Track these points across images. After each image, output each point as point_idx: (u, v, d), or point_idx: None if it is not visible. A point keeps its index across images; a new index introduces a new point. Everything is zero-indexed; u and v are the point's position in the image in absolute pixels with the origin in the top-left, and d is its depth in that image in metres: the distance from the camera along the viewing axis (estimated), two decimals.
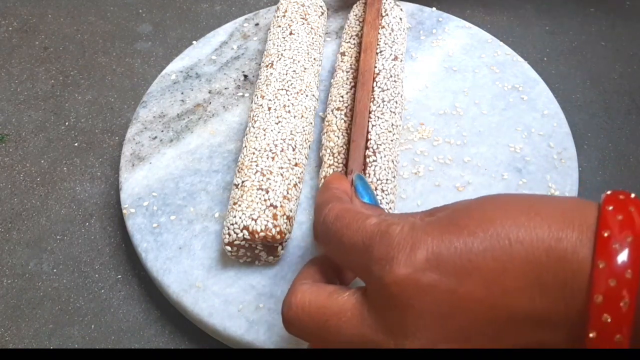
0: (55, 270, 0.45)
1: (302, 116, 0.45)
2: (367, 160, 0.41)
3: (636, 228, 0.24)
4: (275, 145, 0.42)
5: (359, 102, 0.43)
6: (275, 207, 0.40)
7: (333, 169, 0.42)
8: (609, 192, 0.26)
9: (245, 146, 0.43)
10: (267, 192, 0.40)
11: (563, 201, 0.27)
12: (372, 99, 0.44)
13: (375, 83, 0.45)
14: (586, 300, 0.24)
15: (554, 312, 0.25)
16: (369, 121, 0.43)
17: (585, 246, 0.24)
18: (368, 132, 0.43)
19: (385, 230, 0.27)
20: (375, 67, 0.46)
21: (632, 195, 0.25)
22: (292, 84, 0.46)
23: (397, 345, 0.26)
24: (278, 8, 0.51)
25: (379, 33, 0.48)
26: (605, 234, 0.24)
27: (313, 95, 0.47)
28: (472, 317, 0.26)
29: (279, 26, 0.50)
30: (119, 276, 0.45)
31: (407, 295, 0.26)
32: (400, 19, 0.51)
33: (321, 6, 0.52)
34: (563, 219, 0.25)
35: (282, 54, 0.48)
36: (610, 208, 0.25)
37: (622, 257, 0.24)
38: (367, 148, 0.42)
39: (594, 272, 0.24)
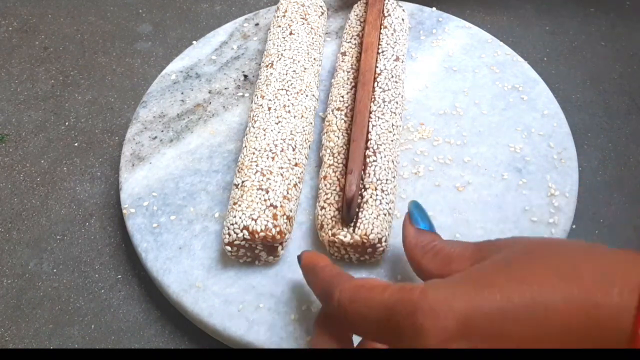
0: (55, 270, 0.45)
1: (302, 116, 0.45)
2: (367, 160, 0.41)
3: None
4: (275, 145, 0.42)
5: (360, 102, 0.43)
6: (275, 207, 0.40)
7: (333, 169, 0.42)
8: None
9: (245, 146, 0.43)
10: (267, 192, 0.40)
11: (608, 257, 0.26)
12: (373, 99, 0.44)
13: (376, 83, 0.45)
14: None
15: None
16: (369, 121, 0.43)
17: (626, 313, 0.23)
18: (368, 132, 0.43)
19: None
20: (377, 67, 0.46)
21: None
22: (292, 84, 0.46)
23: None
24: (278, 8, 0.51)
25: (381, 33, 0.48)
26: None
27: (313, 95, 0.47)
28: None
29: (279, 26, 0.50)
30: (119, 276, 0.45)
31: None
32: (403, 19, 0.51)
33: (321, 6, 0.52)
34: (604, 280, 0.24)
35: (282, 54, 0.48)
36: None
37: None
38: (367, 148, 0.42)
39: (635, 343, 0.23)
